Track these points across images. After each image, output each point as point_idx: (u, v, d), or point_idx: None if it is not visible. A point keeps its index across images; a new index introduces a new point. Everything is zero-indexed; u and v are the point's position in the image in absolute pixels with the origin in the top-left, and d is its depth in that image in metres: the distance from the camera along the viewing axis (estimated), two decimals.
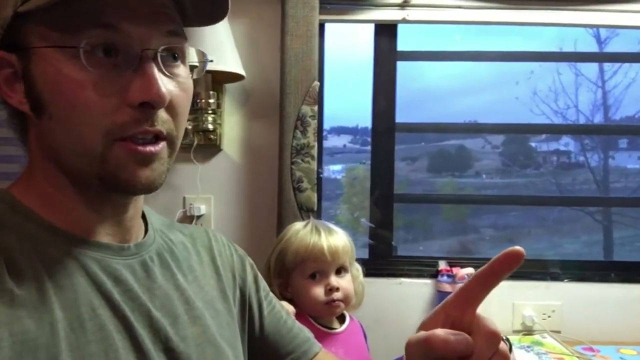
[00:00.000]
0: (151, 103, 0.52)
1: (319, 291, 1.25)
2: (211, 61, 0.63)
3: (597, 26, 1.71)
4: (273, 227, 1.58)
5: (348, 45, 1.94)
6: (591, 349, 1.49)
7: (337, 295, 1.24)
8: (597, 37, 2.54)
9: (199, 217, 1.65)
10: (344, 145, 3.12)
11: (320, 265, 1.26)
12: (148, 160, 0.54)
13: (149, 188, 0.55)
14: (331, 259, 1.25)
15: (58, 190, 0.57)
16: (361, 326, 1.36)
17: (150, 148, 0.54)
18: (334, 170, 2.80)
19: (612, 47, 2.43)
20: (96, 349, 0.52)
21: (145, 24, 0.52)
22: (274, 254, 1.32)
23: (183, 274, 0.66)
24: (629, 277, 1.65)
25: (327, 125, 1.81)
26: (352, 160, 3.12)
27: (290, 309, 1.20)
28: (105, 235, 0.59)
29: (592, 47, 2.51)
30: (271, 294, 0.82)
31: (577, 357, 1.42)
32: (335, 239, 1.28)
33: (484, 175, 3.54)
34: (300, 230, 1.30)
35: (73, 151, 0.53)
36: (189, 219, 1.63)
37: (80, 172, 0.55)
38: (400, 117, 1.75)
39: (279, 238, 1.35)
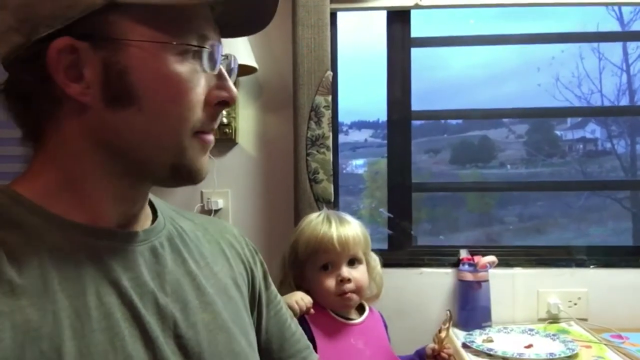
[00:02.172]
0: (229, 102, 0.59)
1: (330, 283, 1.24)
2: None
3: (619, 4, 1.66)
4: (290, 219, 1.57)
5: (362, 36, 1.92)
6: (620, 336, 1.44)
7: (348, 286, 1.23)
8: (620, 19, 2.47)
9: (216, 211, 1.66)
10: (365, 140, 3.10)
11: (331, 256, 1.25)
12: (207, 149, 0.60)
13: (205, 176, 0.61)
14: (341, 249, 1.24)
15: (83, 181, 0.56)
16: (382, 317, 1.34)
17: (211, 137, 0.60)
18: (356, 164, 2.78)
19: (635, 28, 2.36)
20: (101, 337, 0.51)
21: (216, 36, 0.58)
22: (289, 246, 1.33)
23: (194, 260, 0.66)
24: None
25: (347, 120, 1.80)
26: (373, 154, 3.10)
27: (307, 299, 1.19)
28: (114, 223, 0.59)
29: (614, 26, 2.44)
30: (279, 295, 0.81)
31: (606, 344, 1.37)
32: (347, 229, 1.27)
33: (508, 166, 3.48)
34: (313, 221, 1.30)
35: (156, 143, 0.56)
36: (207, 213, 1.64)
37: (151, 163, 0.57)
38: (421, 107, 1.73)
39: (295, 229, 1.34)
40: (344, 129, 1.73)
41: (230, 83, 0.59)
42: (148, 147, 0.56)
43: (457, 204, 3.17)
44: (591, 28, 2.09)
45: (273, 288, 0.80)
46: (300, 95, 1.55)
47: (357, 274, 1.25)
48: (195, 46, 0.55)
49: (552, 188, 2.02)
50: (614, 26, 2.44)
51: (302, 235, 1.29)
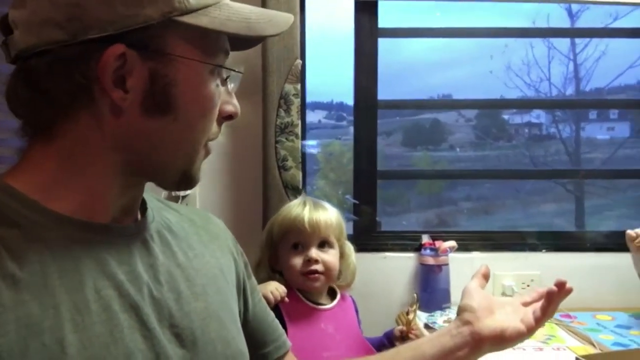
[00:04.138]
0: (235, 116, 0.64)
1: (297, 261, 1.27)
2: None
3: (569, 1, 1.74)
4: (259, 206, 1.59)
5: (328, 21, 1.93)
6: (569, 316, 1.55)
7: (315, 267, 1.26)
8: (569, 10, 2.58)
9: (184, 197, 1.65)
10: (319, 121, 3.12)
11: (301, 237, 1.28)
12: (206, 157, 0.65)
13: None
14: (311, 230, 1.27)
15: (89, 178, 0.57)
16: (354, 302, 1.38)
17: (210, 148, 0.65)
18: (309, 145, 2.80)
19: (583, 20, 2.47)
20: (102, 329, 0.53)
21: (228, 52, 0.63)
22: (266, 228, 1.36)
23: (183, 251, 0.68)
24: (603, 246, 1.73)
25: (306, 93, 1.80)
26: (327, 135, 3.13)
27: (282, 288, 1.22)
28: (110, 217, 0.60)
29: (564, 20, 2.55)
30: (257, 286, 0.85)
31: (556, 323, 1.48)
32: (320, 212, 1.30)
33: (457, 149, 3.59)
34: (290, 204, 1.34)
35: (180, 150, 0.61)
36: (174, 199, 1.62)
37: (167, 167, 0.61)
38: (380, 90, 1.76)
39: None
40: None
41: (235, 98, 0.65)
42: (170, 153, 0.60)
43: (408, 185, 3.26)
44: (542, 16, 2.17)
45: (253, 278, 0.83)
46: (270, 83, 1.55)
47: (326, 257, 1.28)
48: (228, 69, 0.62)
49: (507, 176, 2.10)
50: (563, 15, 2.54)
51: (277, 217, 1.33)
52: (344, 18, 1.75)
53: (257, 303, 0.81)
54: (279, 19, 0.65)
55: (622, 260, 1.67)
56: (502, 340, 0.75)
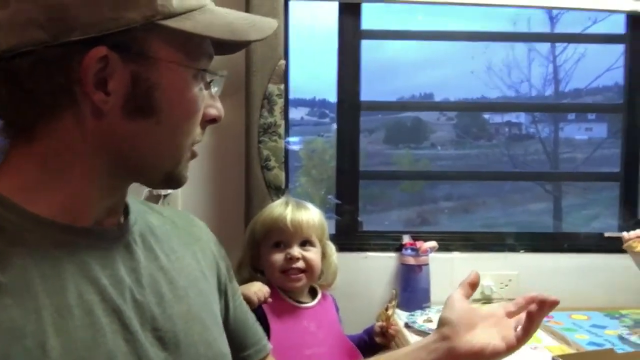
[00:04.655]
0: (218, 120, 0.64)
1: (278, 257, 1.28)
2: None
3: (549, 8, 1.78)
4: (241, 206, 1.59)
5: (313, 20, 1.94)
6: (546, 316, 1.58)
7: (297, 265, 1.28)
8: (549, 13, 2.61)
9: (165, 196, 1.64)
10: (302, 118, 3.12)
11: (283, 235, 1.30)
12: (192, 159, 0.66)
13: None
14: (293, 230, 1.28)
15: (70, 180, 0.57)
16: (334, 301, 1.40)
17: (197, 150, 0.66)
18: (291, 142, 2.80)
19: (563, 22, 2.49)
20: (84, 333, 0.53)
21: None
22: (248, 227, 1.37)
23: (165, 254, 0.68)
24: (579, 247, 1.76)
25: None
26: (310, 132, 3.13)
27: (265, 289, 1.23)
28: (92, 220, 0.60)
29: (544, 23, 2.57)
30: (239, 288, 0.85)
31: None
32: (302, 212, 1.32)
33: (439, 147, 3.63)
34: (273, 204, 1.36)
35: (162, 152, 0.61)
36: (155, 198, 1.62)
37: (150, 169, 0.62)
38: (362, 88, 1.77)
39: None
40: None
41: (219, 102, 0.65)
42: (153, 155, 0.61)
43: (391, 183, 3.27)
44: (523, 19, 2.21)
45: (235, 281, 0.84)
46: (253, 83, 1.55)
47: (308, 255, 1.30)
48: (212, 73, 0.62)
49: (489, 178, 2.14)
50: (544, 18, 2.57)
51: (260, 217, 1.35)
52: (328, 18, 1.75)
53: (237, 306, 0.82)
54: (262, 24, 0.66)
55: (598, 260, 1.72)
56: (481, 358, 0.72)
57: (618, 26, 1.85)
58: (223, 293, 0.78)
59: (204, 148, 1.64)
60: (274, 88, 1.55)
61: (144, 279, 0.62)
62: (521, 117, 3.43)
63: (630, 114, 1.81)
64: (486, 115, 3.31)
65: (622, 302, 1.66)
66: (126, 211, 0.67)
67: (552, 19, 2.61)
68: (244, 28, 0.63)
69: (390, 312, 1.37)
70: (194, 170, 1.64)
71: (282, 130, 1.57)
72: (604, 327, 1.48)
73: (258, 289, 1.21)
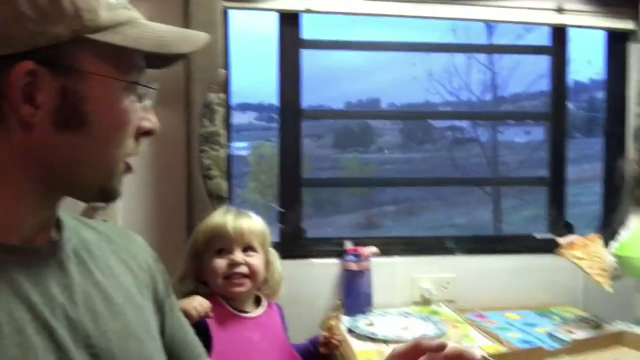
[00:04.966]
0: (153, 133, 0.65)
1: (220, 263, 1.28)
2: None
3: (478, 20, 1.86)
4: (182, 216, 1.58)
5: (256, 26, 1.94)
6: (481, 315, 1.65)
7: (240, 269, 1.27)
8: (487, 23, 2.72)
9: (103, 208, 1.60)
10: (250, 122, 3.12)
11: (225, 242, 1.29)
12: (127, 174, 0.65)
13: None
14: (235, 236, 1.29)
15: (1, 196, 0.57)
16: (280, 310, 1.40)
17: (131, 164, 0.65)
18: (239, 147, 2.78)
19: (501, 30, 2.60)
20: (15, 352, 0.53)
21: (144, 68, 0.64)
22: (190, 238, 1.36)
23: (101, 270, 0.68)
24: (513, 249, 1.84)
25: (232, 101, 1.80)
26: (258, 137, 3.13)
27: (206, 304, 1.22)
28: (22, 237, 0.59)
29: (482, 32, 2.68)
30: (177, 303, 0.85)
31: (469, 323, 1.57)
32: (244, 219, 1.32)
33: (386, 151, 3.71)
34: (214, 214, 1.36)
35: (94, 164, 0.61)
36: (92, 210, 1.58)
37: (83, 182, 0.61)
38: (307, 94, 1.79)
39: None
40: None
41: (153, 114, 0.66)
42: (84, 168, 0.60)
43: (340, 187, 3.32)
44: (462, 28, 2.29)
45: (173, 296, 0.84)
46: (193, 92, 1.54)
47: (251, 260, 1.30)
48: (143, 85, 0.62)
49: (431, 184, 2.20)
50: (481, 28, 2.67)
51: (201, 226, 1.34)
52: (271, 26, 1.76)
53: (175, 322, 0.81)
54: (193, 38, 0.67)
55: (529, 261, 1.80)
56: None
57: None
58: (160, 309, 0.78)
59: (144, 158, 1.63)
60: (214, 97, 1.55)
61: (77, 296, 0.62)
62: (464, 122, 3.55)
63: (556, 122, 1.90)
64: (430, 120, 3.41)
65: (552, 301, 1.75)
66: (59, 226, 0.66)
67: (490, 27, 2.72)
68: (175, 41, 0.64)
69: (333, 322, 1.39)
70: (134, 181, 1.63)
71: (223, 139, 1.57)
72: (534, 325, 1.56)
73: (198, 304, 1.21)
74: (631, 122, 1.82)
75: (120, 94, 0.60)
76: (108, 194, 0.64)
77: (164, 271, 0.82)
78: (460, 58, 3.07)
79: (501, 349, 1.36)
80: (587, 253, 1.44)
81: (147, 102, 0.65)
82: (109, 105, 0.59)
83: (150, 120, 0.65)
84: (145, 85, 0.63)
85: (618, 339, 1.27)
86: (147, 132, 0.65)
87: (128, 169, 0.65)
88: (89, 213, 1.36)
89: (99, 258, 0.69)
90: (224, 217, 1.32)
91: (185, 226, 1.57)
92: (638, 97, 1.77)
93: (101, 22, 0.56)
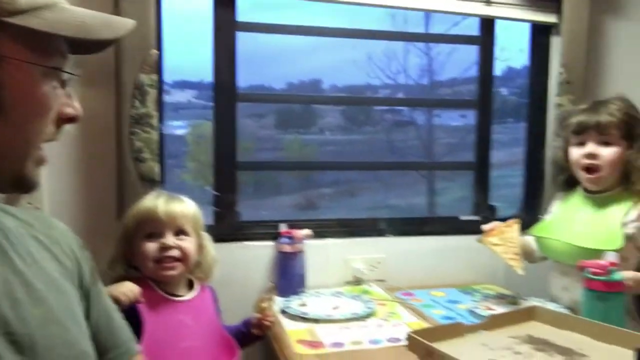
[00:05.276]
0: (76, 119, 0.65)
1: (151, 247, 1.27)
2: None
3: (419, 10, 1.91)
4: (112, 200, 1.56)
5: (191, 1, 1.91)
6: (408, 294, 1.73)
7: (171, 253, 1.27)
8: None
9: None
10: (189, 101, 3.06)
11: (155, 226, 1.28)
12: (43, 164, 0.65)
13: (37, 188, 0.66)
14: (167, 219, 1.28)
15: None
16: (213, 292, 1.41)
17: (46, 155, 0.65)
18: (177, 126, 2.72)
19: (438, 17, 2.66)
20: None
21: (67, 54, 0.64)
22: (121, 222, 1.34)
23: (21, 258, 0.67)
24: (440, 230, 1.93)
25: (169, 79, 1.77)
26: (197, 116, 3.08)
27: (136, 289, 1.21)
28: None
29: (420, 18, 2.73)
30: (104, 288, 0.85)
31: (397, 301, 1.64)
32: (175, 203, 1.31)
33: (327, 132, 3.74)
34: (145, 198, 1.34)
35: (10, 152, 0.60)
36: (15, 195, 1.53)
37: (3, 171, 0.61)
38: (247, 74, 1.78)
39: None
40: (166, 88, 1.72)
41: (76, 101, 0.66)
42: (6, 155, 0.60)
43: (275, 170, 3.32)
44: (401, 15, 2.33)
45: (100, 282, 0.84)
46: (123, 73, 1.51)
47: (183, 244, 1.29)
48: (63, 71, 0.62)
49: (363, 168, 2.26)
50: (420, 14, 2.72)
51: (132, 210, 1.32)
52: (206, 6, 1.74)
53: (101, 309, 0.81)
54: (118, 24, 0.67)
55: (455, 242, 1.89)
56: None
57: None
58: (86, 295, 0.78)
59: (72, 141, 1.59)
60: (145, 78, 1.53)
61: None
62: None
63: (483, 108, 1.99)
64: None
65: (476, 279, 1.85)
66: None
67: (427, 14, 2.78)
68: (98, 27, 0.63)
69: (265, 304, 1.41)
70: (61, 164, 1.58)
71: (155, 121, 1.55)
72: (458, 302, 1.64)
73: (128, 290, 1.19)
74: (551, 110, 1.93)
75: (40, 79, 0.59)
76: (23, 184, 0.63)
77: (89, 258, 0.82)
78: (398, 43, 3.13)
79: (425, 325, 1.43)
80: (502, 239, 1.53)
81: (70, 88, 0.65)
82: (26, 91, 0.59)
83: (73, 107, 0.65)
84: (66, 72, 0.62)
85: (531, 314, 1.36)
86: (70, 119, 0.64)
87: (41, 161, 0.64)
88: (12, 198, 1.32)
89: (19, 245, 0.68)
90: (155, 201, 1.31)
91: (115, 210, 1.54)
92: (558, 87, 1.87)
93: (19, 5, 0.56)
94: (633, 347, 0.85)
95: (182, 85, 2.83)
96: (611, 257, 1.30)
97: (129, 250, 1.31)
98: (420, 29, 2.76)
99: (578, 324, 1.26)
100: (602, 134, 1.48)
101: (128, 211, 1.35)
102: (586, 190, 1.58)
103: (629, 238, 1.45)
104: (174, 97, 2.62)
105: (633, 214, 1.46)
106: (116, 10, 1.48)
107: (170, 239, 1.28)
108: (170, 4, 1.67)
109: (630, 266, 1.44)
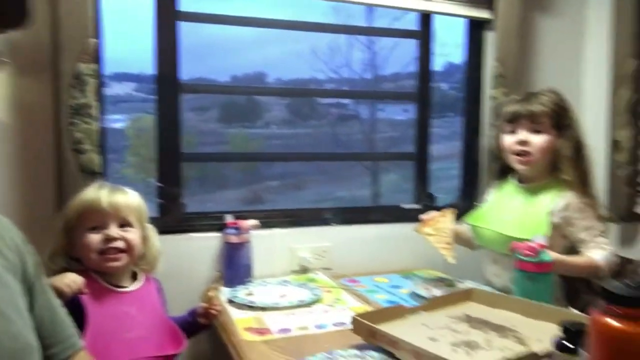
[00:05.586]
0: None
1: (94, 239, 1.26)
2: None
3: (360, 4, 1.95)
4: (51, 192, 1.52)
5: None
6: (353, 280, 1.77)
7: (116, 244, 1.26)
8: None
9: None
10: (130, 94, 2.98)
11: (99, 218, 1.27)
12: None
13: None
14: (111, 210, 1.27)
15: None
16: (157, 283, 1.41)
17: None
18: (116, 119, 2.65)
19: (380, 12, 2.72)
20: None
21: None
22: (62, 214, 1.31)
23: None
24: (383, 218, 1.99)
25: (108, 71, 1.73)
26: (137, 109, 3.01)
27: (79, 280, 1.20)
28: None
29: (362, 11, 2.78)
30: (48, 284, 0.84)
31: (342, 288, 1.68)
32: (119, 195, 1.30)
33: (273, 126, 3.75)
34: (86, 190, 1.31)
35: None
36: None
37: None
38: (190, 67, 1.77)
39: None
40: (105, 80, 1.68)
41: None
42: None
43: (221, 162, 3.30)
44: (344, 9, 2.37)
45: (44, 277, 0.83)
46: (62, 62, 1.47)
47: (127, 235, 1.29)
48: None
49: (308, 158, 2.29)
50: (363, 8, 2.77)
51: (73, 203, 1.30)
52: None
53: (45, 302, 0.81)
54: None
55: (396, 229, 1.96)
56: None
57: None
58: (30, 289, 0.77)
59: (7, 132, 1.54)
60: (84, 67, 1.49)
61: None
62: (347, 99, 3.69)
63: (422, 102, 2.06)
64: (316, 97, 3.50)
65: (416, 265, 1.92)
66: None
67: (369, 8, 2.83)
68: None
69: (212, 293, 1.42)
70: None
71: (95, 111, 1.52)
72: (400, 287, 1.70)
73: (71, 281, 1.17)
74: (486, 103, 2.02)
75: None
76: None
77: (33, 252, 0.81)
78: (342, 37, 3.17)
79: (369, 309, 1.48)
80: (436, 229, 1.60)
81: None
82: None
83: None
84: None
85: (468, 296, 1.44)
86: None
87: None
88: None
89: None
90: (97, 192, 1.29)
91: (54, 203, 1.51)
92: (492, 80, 1.97)
93: None
94: (558, 322, 0.93)
95: (122, 77, 2.76)
96: (540, 240, 1.38)
97: (71, 243, 1.29)
98: (363, 24, 2.81)
99: (510, 303, 1.34)
100: (534, 122, 1.57)
101: (69, 203, 1.32)
102: (518, 180, 1.67)
103: (554, 227, 1.54)
104: (113, 89, 2.56)
105: (559, 203, 1.56)
106: None
107: (114, 230, 1.27)
108: None
109: None
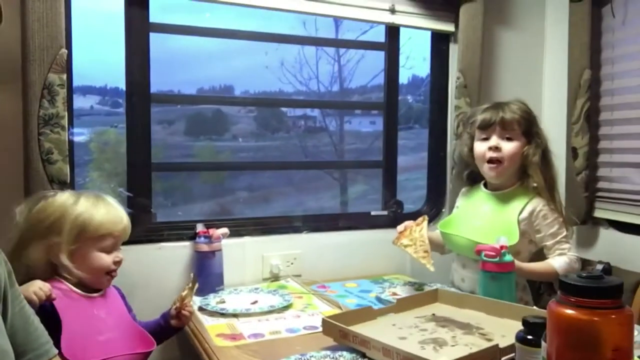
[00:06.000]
0: None
1: (107, 260, 1.32)
2: None
3: (328, 16, 2.01)
4: (19, 201, 1.50)
5: (100, 7, 1.88)
6: (323, 286, 1.80)
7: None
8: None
9: None
10: (92, 107, 2.95)
11: (117, 242, 1.35)
12: None
13: None
14: (125, 236, 1.38)
15: None
16: (118, 290, 1.43)
17: None
18: (77, 133, 2.62)
19: (347, 24, 2.78)
20: None
21: None
22: (65, 224, 1.28)
23: None
24: (353, 225, 2.03)
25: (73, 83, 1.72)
26: (101, 123, 2.97)
27: (46, 287, 1.19)
28: None
29: (330, 25, 2.84)
30: (22, 293, 0.85)
31: (313, 294, 1.71)
32: (124, 215, 1.38)
33: (240, 139, 3.75)
34: (80, 202, 1.32)
35: None
36: None
37: None
38: (156, 78, 1.78)
39: (54, 210, 1.30)
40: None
41: None
42: None
43: (191, 175, 3.30)
44: (312, 22, 2.42)
45: (17, 286, 0.83)
46: (31, 72, 1.47)
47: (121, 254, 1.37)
48: None
49: (277, 167, 2.33)
50: (330, 21, 2.83)
51: (70, 214, 1.29)
52: (117, 6, 1.72)
53: (17, 312, 0.81)
54: None
55: (366, 236, 2.00)
56: None
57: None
58: (3, 298, 0.78)
59: None
60: (55, 77, 1.50)
61: None
62: (315, 111, 3.73)
63: (389, 112, 2.13)
64: (284, 109, 3.53)
65: (386, 270, 1.97)
66: None
67: (337, 22, 2.90)
68: None
69: (184, 293, 1.43)
70: None
71: (65, 121, 1.52)
72: (369, 291, 1.74)
73: (38, 288, 1.17)
74: (451, 113, 2.09)
75: None
76: None
77: (6, 261, 0.81)
78: (310, 49, 3.22)
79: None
80: (412, 239, 1.63)
81: None
82: None
83: None
84: None
85: (435, 297, 1.48)
86: None
87: None
88: None
89: None
90: (110, 211, 1.34)
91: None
92: (456, 90, 2.04)
93: None
94: (520, 318, 0.98)
95: (85, 90, 2.73)
96: (503, 241, 1.44)
97: (54, 253, 1.28)
98: (331, 36, 2.87)
99: (475, 302, 1.40)
100: (505, 129, 1.64)
101: (73, 216, 1.29)
102: (488, 187, 1.73)
103: (522, 233, 1.60)
104: (76, 103, 2.53)
105: (527, 209, 1.62)
106: (23, 6, 1.44)
107: (121, 253, 1.36)
108: (80, 3, 1.65)
109: (523, 259, 1.60)
